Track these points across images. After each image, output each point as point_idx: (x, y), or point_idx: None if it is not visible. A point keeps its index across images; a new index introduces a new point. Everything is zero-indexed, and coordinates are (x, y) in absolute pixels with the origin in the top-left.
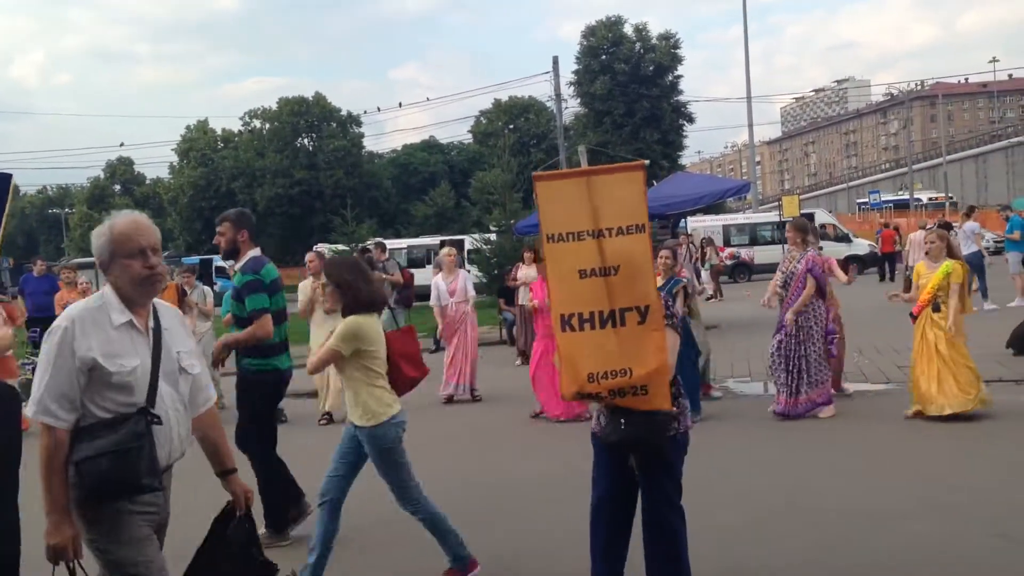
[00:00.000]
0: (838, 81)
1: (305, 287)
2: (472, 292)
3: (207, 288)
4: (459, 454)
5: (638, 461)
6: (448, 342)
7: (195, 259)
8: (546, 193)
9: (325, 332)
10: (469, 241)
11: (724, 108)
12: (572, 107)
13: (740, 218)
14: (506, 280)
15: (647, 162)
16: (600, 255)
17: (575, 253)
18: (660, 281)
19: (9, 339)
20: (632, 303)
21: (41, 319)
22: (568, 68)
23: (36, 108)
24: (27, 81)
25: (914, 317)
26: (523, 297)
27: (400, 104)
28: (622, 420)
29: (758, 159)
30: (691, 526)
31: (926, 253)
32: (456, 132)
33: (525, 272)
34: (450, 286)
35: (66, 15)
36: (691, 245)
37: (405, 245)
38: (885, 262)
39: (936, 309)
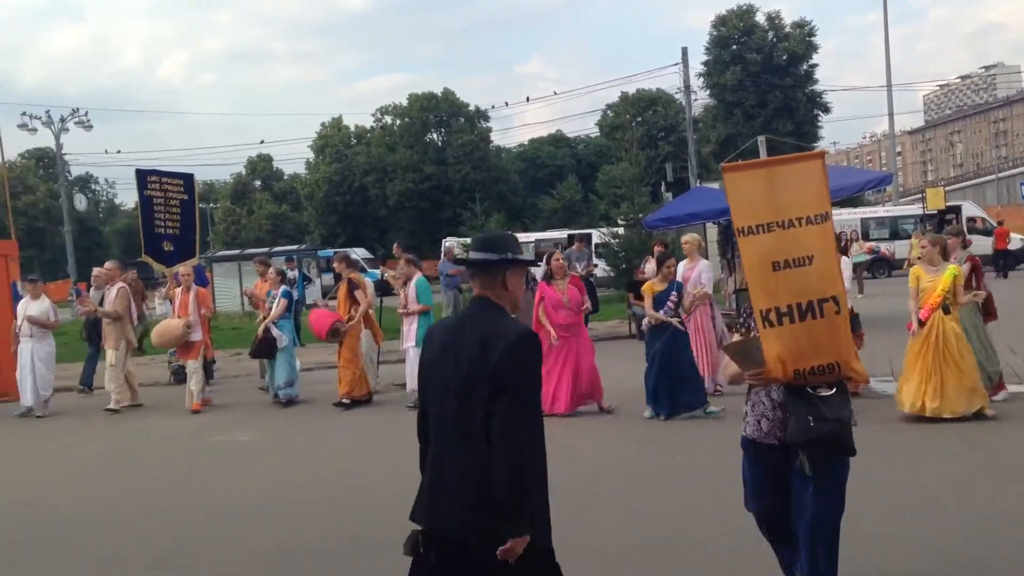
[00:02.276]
0: (985, 67)
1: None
2: (705, 280)
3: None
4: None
5: (812, 458)
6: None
7: (329, 252)
8: (732, 185)
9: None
10: (597, 235)
11: (862, 97)
12: (701, 99)
13: (880, 211)
14: (635, 274)
15: (826, 151)
16: (792, 246)
17: (767, 245)
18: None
19: (185, 327)
20: (827, 293)
21: None
22: (697, 59)
23: (182, 107)
24: (172, 81)
25: (922, 323)
26: None
27: (527, 99)
28: (810, 418)
29: (899, 149)
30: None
31: (919, 258)
32: (583, 126)
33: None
34: (685, 273)
35: (208, 17)
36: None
37: (533, 239)
38: (1000, 259)
39: (947, 311)
